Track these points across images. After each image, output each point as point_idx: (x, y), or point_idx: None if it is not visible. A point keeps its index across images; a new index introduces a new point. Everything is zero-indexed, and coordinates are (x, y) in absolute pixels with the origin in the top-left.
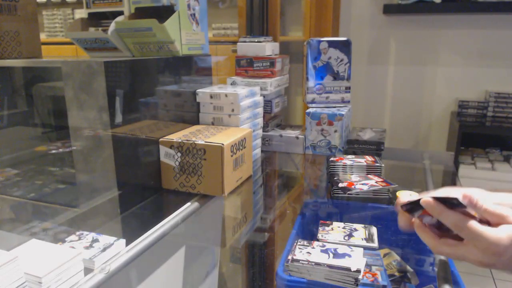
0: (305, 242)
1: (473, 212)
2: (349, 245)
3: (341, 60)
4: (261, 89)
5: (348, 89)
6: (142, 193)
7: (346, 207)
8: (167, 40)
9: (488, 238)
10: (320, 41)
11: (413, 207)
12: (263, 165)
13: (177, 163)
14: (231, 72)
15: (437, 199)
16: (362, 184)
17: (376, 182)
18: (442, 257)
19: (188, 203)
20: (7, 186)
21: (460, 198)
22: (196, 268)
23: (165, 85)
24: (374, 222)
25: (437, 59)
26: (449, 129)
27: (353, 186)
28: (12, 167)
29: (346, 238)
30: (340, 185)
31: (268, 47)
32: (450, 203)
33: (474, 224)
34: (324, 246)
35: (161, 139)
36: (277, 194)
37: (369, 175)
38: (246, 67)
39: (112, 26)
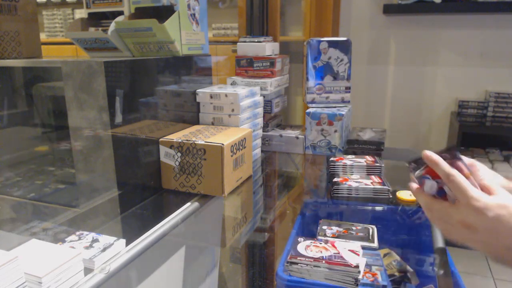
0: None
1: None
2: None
3: (341, 60)
4: (261, 89)
5: (348, 89)
6: (142, 193)
7: (346, 207)
8: (167, 40)
9: (471, 191)
10: (320, 41)
11: (417, 166)
12: (263, 165)
13: (177, 163)
14: (231, 72)
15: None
16: (362, 184)
17: (376, 182)
18: (440, 245)
19: (188, 203)
20: (7, 186)
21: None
22: (196, 268)
23: (165, 85)
24: (374, 222)
25: (437, 59)
26: (449, 129)
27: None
28: (12, 167)
29: (346, 238)
30: (340, 185)
31: (268, 47)
32: (451, 155)
33: (462, 178)
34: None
35: (161, 139)
36: (277, 194)
37: (369, 175)
38: (246, 67)
39: (112, 26)
